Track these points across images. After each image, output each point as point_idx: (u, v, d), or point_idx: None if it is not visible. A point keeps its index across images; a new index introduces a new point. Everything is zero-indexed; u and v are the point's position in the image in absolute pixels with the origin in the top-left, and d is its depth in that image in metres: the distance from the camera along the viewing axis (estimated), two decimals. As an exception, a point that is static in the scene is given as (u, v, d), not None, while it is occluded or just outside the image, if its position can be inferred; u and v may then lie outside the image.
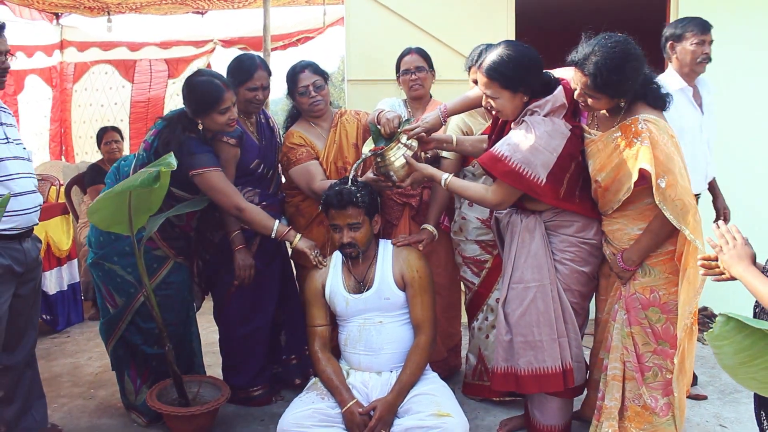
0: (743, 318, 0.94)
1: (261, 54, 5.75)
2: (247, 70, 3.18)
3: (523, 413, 3.02)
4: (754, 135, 4.41)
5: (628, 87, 2.39)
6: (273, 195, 3.36)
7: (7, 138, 2.68)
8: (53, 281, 4.54)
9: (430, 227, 3.17)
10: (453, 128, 3.22)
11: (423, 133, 2.83)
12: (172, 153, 2.57)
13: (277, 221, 3.02)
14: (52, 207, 4.68)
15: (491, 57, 2.52)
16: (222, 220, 3.16)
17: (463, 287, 3.47)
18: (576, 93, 2.48)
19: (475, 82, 2.99)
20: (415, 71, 3.37)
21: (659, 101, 2.48)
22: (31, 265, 2.83)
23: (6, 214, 2.60)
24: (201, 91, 2.89)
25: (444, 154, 3.20)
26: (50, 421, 3.10)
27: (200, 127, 2.95)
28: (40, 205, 2.83)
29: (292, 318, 3.49)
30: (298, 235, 3.01)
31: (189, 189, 2.98)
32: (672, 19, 4.34)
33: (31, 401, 2.97)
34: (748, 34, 4.37)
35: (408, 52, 3.43)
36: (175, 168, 2.49)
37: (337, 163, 3.30)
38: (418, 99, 3.43)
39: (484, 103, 2.65)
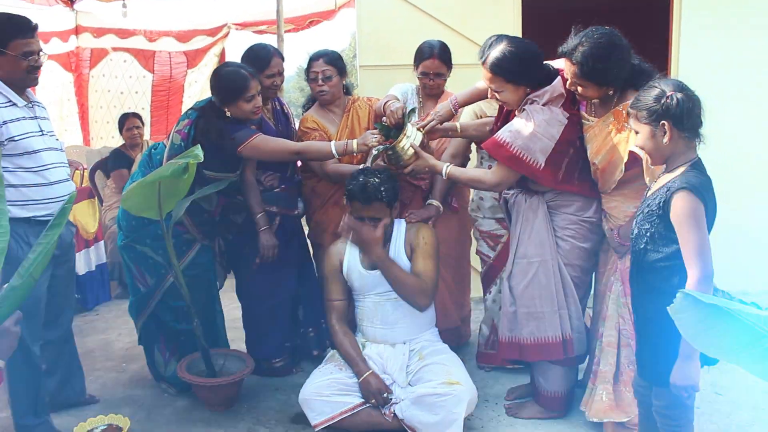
0: (697, 294, 1.11)
1: (275, 37, 5.91)
2: (264, 58, 3.34)
3: (529, 382, 3.21)
4: (759, 130, 4.51)
5: (614, 75, 2.52)
6: (290, 178, 3.53)
7: (41, 130, 2.85)
8: (82, 262, 4.73)
9: (435, 202, 3.35)
10: (468, 113, 3.39)
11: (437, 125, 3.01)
12: (198, 145, 2.74)
13: (333, 142, 3.14)
14: (79, 191, 4.83)
15: (494, 53, 2.67)
16: (246, 203, 3.34)
17: (479, 261, 3.63)
18: (568, 82, 2.63)
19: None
20: (434, 77, 3.43)
21: None
22: (65, 247, 3.03)
23: (42, 201, 2.81)
24: (229, 80, 3.06)
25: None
26: (87, 392, 3.33)
27: (228, 114, 3.11)
28: (74, 192, 3.02)
29: (309, 293, 3.68)
30: (354, 141, 3.07)
31: (226, 168, 3.16)
32: (676, 5, 4.42)
33: (70, 373, 3.21)
34: (751, 30, 4.42)
35: (430, 54, 3.39)
36: (202, 160, 2.66)
37: None
38: (432, 96, 3.55)
39: (489, 96, 2.83)
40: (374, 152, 3.08)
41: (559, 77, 2.72)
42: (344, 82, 3.53)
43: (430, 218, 3.28)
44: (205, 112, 3.14)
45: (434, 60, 3.40)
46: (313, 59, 3.45)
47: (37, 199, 2.79)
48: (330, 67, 3.40)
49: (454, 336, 3.61)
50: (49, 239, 1.57)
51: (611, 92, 2.60)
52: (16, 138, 2.70)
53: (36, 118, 2.86)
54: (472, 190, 3.55)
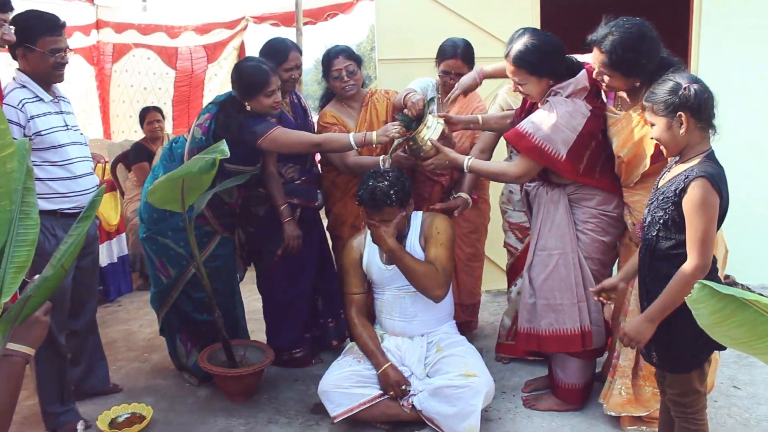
0: (714, 285, 1.13)
1: (293, 30, 5.94)
2: (282, 52, 3.36)
3: (547, 374, 3.23)
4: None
5: (642, 67, 2.50)
6: (310, 170, 3.57)
7: (66, 125, 2.90)
8: (104, 254, 4.80)
9: (464, 195, 3.36)
10: (496, 107, 3.43)
11: (450, 114, 3.03)
12: (224, 140, 2.78)
13: (351, 134, 3.15)
14: (102, 184, 4.93)
15: (517, 46, 2.70)
16: (268, 196, 3.38)
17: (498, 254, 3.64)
18: (595, 72, 2.63)
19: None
20: (455, 76, 3.42)
21: None
22: (90, 239, 3.09)
23: (67, 194, 2.87)
24: (250, 75, 3.09)
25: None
26: (111, 381, 3.39)
27: (248, 108, 3.14)
28: (97, 185, 3.08)
29: (328, 284, 3.72)
30: (374, 133, 3.10)
31: (247, 161, 3.19)
32: (696, 3, 4.39)
33: (94, 363, 3.28)
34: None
35: (453, 54, 3.41)
36: (228, 156, 2.70)
37: None
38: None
39: (513, 88, 2.86)
40: (394, 143, 3.11)
41: (583, 70, 2.73)
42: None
43: (457, 209, 3.30)
44: (225, 106, 3.18)
45: (457, 60, 3.42)
46: (332, 57, 3.44)
47: (62, 192, 2.85)
48: (351, 61, 3.42)
49: (462, 328, 3.61)
50: (80, 231, 1.61)
51: (638, 84, 2.58)
52: (42, 132, 2.76)
53: (61, 112, 2.91)
54: (503, 183, 3.55)
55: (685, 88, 2.06)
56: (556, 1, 4.63)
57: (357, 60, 3.46)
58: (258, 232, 3.52)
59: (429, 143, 2.94)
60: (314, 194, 3.58)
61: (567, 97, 2.71)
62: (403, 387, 2.87)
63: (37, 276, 1.63)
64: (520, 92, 2.83)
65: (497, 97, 3.50)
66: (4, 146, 1.38)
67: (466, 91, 3.15)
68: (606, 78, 2.57)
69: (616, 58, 2.48)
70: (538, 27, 4.34)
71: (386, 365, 2.91)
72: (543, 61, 2.69)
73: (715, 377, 2.82)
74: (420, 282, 2.94)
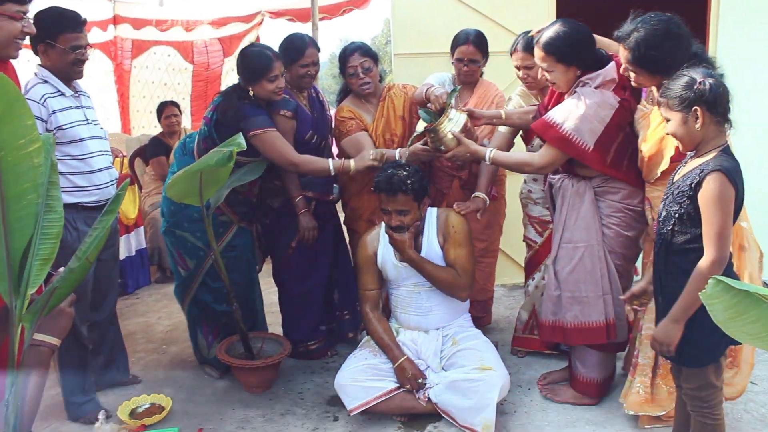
0: (729, 280, 1.14)
1: (309, 25, 5.97)
2: (299, 48, 3.38)
3: (563, 368, 3.24)
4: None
5: (667, 64, 2.44)
6: None
7: (87, 119, 2.94)
8: (123, 247, 4.83)
9: (482, 195, 3.35)
10: (511, 106, 3.44)
11: (473, 109, 3.06)
12: (240, 134, 2.82)
13: (331, 161, 3.23)
14: (120, 178, 4.99)
15: (548, 33, 2.71)
16: (283, 187, 3.41)
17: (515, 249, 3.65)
18: (622, 68, 2.61)
19: (518, 68, 3.23)
20: (468, 63, 3.46)
21: None
22: (111, 232, 3.14)
23: (87, 188, 2.91)
24: (252, 59, 3.15)
25: (499, 128, 3.37)
26: (130, 372, 3.44)
27: (251, 93, 3.18)
28: (116, 179, 3.12)
29: (344, 277, 3.76)
30: (352, 161, 3.20)
31: (248, 153, 3.18)
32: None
33: (114, 354, 3.33)
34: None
35: (465, 40, 3.45)
36: (245, 148, 2.74)
37: (385, 135, 3.51)
38: (468, 83, 3.58)
39: (539, 75, 2.88)
40: (414, 135, 3.12)
41: (612, 62, 2.73)
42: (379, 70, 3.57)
43: (479, 211, 3.28)
44: (228, 93, 3.24)
45: (469, 46, 3.44)
46: (347, 55, 3.46)
47: (83, 185, 2.89)
48: (367, 58, 3.43)
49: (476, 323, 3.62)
50: (104, 224, 1.65)
51: (664, 82, 2.56)
52: (64, 127, 2.80)
53: (82, 107, 2.95)
54: (522, 179, 3.56)
55: (699, 83, 2.05)
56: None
57: (373, 56, 3.47)
58: (273, 224, 3.56)
59: (450, 135, 2.95)
60: (330, 188, 3.61)
61: (596, 88, 2.71)
62: (419, 380, 2.89)
63: (61, 268, 1.67)
64: (546, 81, 2.83)
65: (511, 100, 3.51)
66: (31, 141, 1.42)
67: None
68: (632, 74, 2.56)
69: (639, 56, 2.46)
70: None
71: (402, 359, 2.93)
72: (572, 50, 2.70)
73: (747, 382, 2.78)
74: (443, 287, 3.01)
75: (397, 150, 3.26)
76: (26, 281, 1.53)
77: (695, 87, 2.05)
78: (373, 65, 3.44)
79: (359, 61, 3.41)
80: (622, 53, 2.54)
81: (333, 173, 3.22)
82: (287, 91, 3.37)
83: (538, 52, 2.76)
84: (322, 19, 6.54)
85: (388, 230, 2.97)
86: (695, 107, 2.06)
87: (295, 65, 3.36)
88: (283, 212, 3.47)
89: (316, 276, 3.60)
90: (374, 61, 3.46)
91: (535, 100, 3.38)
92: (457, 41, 3.48)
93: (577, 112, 2.68)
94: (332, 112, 3.80)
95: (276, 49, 3.36)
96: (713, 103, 2.05)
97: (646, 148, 2.64)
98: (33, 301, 1.58)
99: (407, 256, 2.94)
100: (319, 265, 3.61)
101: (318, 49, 3.46)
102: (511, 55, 3.26)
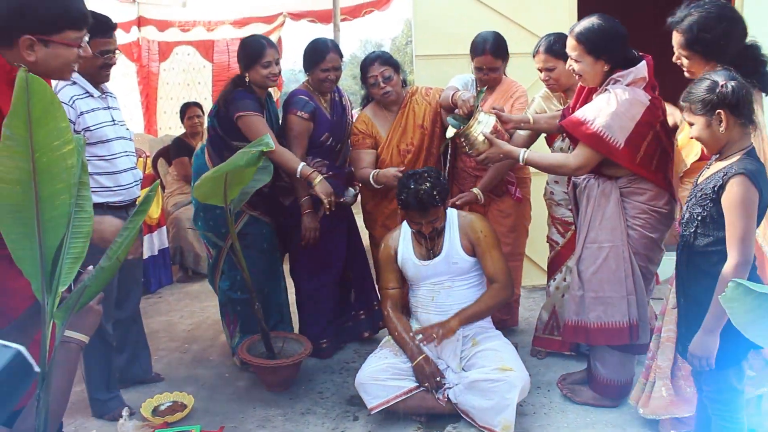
0: (748, 283, 1.14)
1: (331, 26, 6.00)
2: (321, 52, 3.42)
3: (582, 370, 3.23)
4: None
5: (720, 48, 2.42)
6: (340, 167, 3.64)
7: (113, 120, 2.99)
8: (145, 247, 4.90)
9: (476, 191, 3.47)
10: (530, 113, 3.43)
11: (502, 112, 3.09)
12: (267, 134, 2.90)
13: (302, 163, 3.29)
14: (143, 178, 5.04)
15: (583, 23, 2.74)
16: (293, 187, 3.48)
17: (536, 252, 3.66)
18: (674, 56, 2.57)
19: (540, 69, 3.24)
20: (488, 72, 3.46)
21: (760, 78, 2.43)
22: (136, 232, 3.19)
23: (113, 188, 2.96)
24: (248, 46, 3.36)
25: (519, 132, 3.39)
26: (153, 370, 3.49)
27: (247, 81, 3.33)
28: (140, 179, 3.17)
29: (360, 277, 3.80)
30: (320, 177, 3.27)
31: (244, 138, 3.29)
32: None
33: (137, 352, 3.38)
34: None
35: (482, 50, 3.42)
36: (273, 148, 2.87)
37: (400, 145, 3.53)
38: (491, 86, 3.58)
39: (567, 66, 2.87)
40: (446, 140, 3.15)
41: (644, 61, 2.74)
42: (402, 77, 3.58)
43: (469, 204, 3.42)
44: (227, 84, 3.40)
45: (487, 56, 3.43)
46: (367, 64, 3.48)
47: (108, 186, 2.93)
48: (387, 67, 3.44)
49: (499, 325, 3.63)
50: (135, 224, 1.69)
51: (718, 68, 2.51)
52: (92, 128, 2.85)
53: (109, 108, 3.00)
54: (547, 180, 3.56)
55: (722, 86, 2.05)
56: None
57: (393, 65, 3.47)
58: (285, 221, 3.62)
59: (482, 137, 2.95)
60: (340, 190, 3.61)
61: (627, 85, 2.71)
62: (438, 379, 2.90)
63: (90, 267, 1.71)
64: (573, 72, 2.82)
65: (533, 103, 3.51)
66: (65, 143, 1.45)
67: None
68: (685, 61, 2.53)
69: (692, 38, 2.44)
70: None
71: (421, 357, 2.94)
72: (603, 43, 2.70)
73: None
74: (496, 309, 3.16)
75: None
76: (58, 279, 1.57)
77: (717, 90, 2.05)
78: (393, 74, 3.45)
79: (379, 71, 3.43)
80: (676, 38, 2.52)
81: (298, 176, 3.27)
82: (308, 92, 3.43)
83: (570, 41, 2.78)
84: (343, 20, 6.57)
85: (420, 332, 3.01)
86: (718, 110, 2.06)
87: (316, 69, 3.40)
88: (294, 210, 3.53)
89: (325, 275, 3.64)
90: (395, 70, 3.47)
91: (557, 102, 3.38)
92: (475, 50, 3.47)
93: (608, 109, 2.68)
94: (354, 112, 3.83)
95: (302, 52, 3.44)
96: (736, 106, 2.05)
97: (681, 137, 2.63)
98: (64, 299, 1.62)
99: (454, 333, 2.98)
100: (331, 263, 3.66)
101: (341, 56, 3.50)
102: (534, 57, 3.27)
